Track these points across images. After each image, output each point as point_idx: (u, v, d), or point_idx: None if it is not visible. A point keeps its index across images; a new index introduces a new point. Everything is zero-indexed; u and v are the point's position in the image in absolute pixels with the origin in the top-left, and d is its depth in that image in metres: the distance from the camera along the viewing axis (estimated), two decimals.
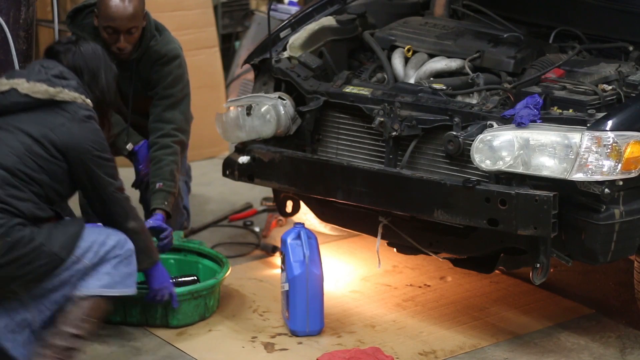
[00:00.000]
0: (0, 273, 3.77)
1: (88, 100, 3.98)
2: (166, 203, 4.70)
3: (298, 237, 4.38)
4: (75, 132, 3.90)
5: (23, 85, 3.92)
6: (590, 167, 3.93)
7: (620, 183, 3.97)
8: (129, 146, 4.88)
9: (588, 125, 3.97)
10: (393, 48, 4.76)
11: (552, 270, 4.32)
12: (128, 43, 4.70)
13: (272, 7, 6.77)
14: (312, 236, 4.41)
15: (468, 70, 4.50)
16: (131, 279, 3.98)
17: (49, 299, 3.88)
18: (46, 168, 3.87)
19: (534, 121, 4.04)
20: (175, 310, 4.39)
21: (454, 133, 4.19)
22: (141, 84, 4.91)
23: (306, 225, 4.48)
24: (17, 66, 4.55)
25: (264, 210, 5.69)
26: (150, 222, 4.56)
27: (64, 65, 4.01)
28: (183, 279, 4.55)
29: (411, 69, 4.63)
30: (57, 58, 4.04)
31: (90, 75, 4.05)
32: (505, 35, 4.62)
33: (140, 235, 4.09)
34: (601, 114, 4.01)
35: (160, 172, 4.75)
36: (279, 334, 4.40)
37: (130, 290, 3.97)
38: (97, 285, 3.89)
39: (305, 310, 4.35)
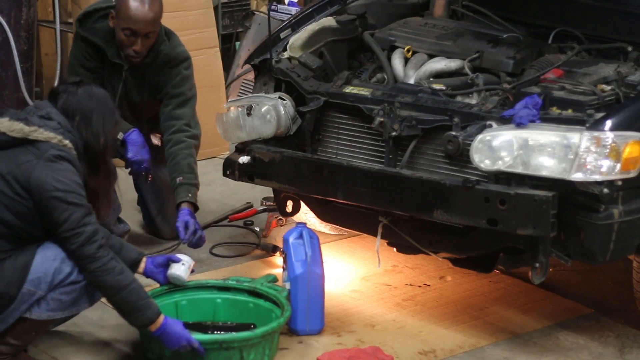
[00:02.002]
0: None
1: (66, 142, 3.87)
2: (190, 195, 4.70)
3: (300, 236, 4.39)
4: (38, 170, 3.81)
5: (3, 124, 3.88)
6: (589, 167, 3.94)
7: (619, 183, 3.98)
8: (120, 135, 4.84)
9: (587, 125, 3.98)
10: (393, 48, 4.76)
11: (551, 269, 4.33)
12: (144, 47, 4.74)
13: (272, 7, 6.79)
14: (314, 236, 4.42)
15: (467, 70, 4.51)
16: (84, 299, 3.94)
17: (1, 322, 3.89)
18: (11, 207, 3.83)
19: (533, 121, 4.05)
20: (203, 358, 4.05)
21: (454, 133, 4.20)
22: (149, 88, 4.93)
23: (307, 225, 4.49)
24: (18, 67, 4.57)
25: (264, 210, 5.69)
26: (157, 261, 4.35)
27: (57, 107, 3.95)
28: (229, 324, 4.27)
29: (411, 69, 4.64)
30: (55, 99, 3.98)
31: (82, 117, 3.96)
32: (504, 36, 4.62)
33: (101, 289, 3.90)
34: (600, 114, 4.02)
35: (177, 167, 4.77)
36: (279, 333, 4.41)
37: (82, 308, 3.97)
38: (45, 310, 3.89)
39: (306, 310, 4.35)
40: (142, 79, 4.91)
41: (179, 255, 4.36)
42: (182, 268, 4.30)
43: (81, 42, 4.90)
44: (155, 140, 5.20)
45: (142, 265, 4.28)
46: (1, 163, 3.86)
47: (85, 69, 4.90)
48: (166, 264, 4.34)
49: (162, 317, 3.95)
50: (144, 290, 3.96)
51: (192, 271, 4.38)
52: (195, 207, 4.74)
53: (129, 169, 5.01)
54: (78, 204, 3.83)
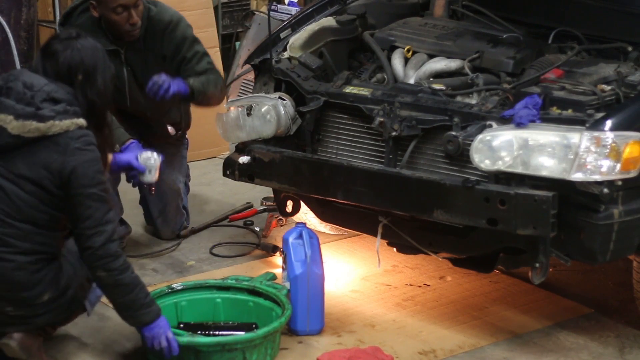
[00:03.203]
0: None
1: (80, 121, 3.83)
2: (192, 80, 4.73)
3: (300, 236, 4.39)
4: (67, 166, 3.79)
5: (12, 125, 3.77)
6: (589, 167, 3.94)
7: (619, 183, 3.98)
8: (117, 147, 4.74)
9: (587, 125, 3.98)
10: (393, 48, 4.76)
11: (551, 269, 4.33)
12: (138, 16, 4.74)
13: (272, 7, 6.78)
14: (313, 236, 4.42)
15: (467, 70, 4.51)
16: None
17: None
18: (61, 207, 3.85)
19: (533, 121, 4.05)
20: None
21: (454, 133, 4.20)
22: (155, 59, 4.91)
23: (307, 225, 4.49)
24: (18, 67, 4.56)
25: (264, 210, 5.69)
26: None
27: (59, 64, 3.88)
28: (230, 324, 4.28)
29: (411, 69, 4.64)
30: (55, 57, 3.89)
31: (86, 75, 3.90)
32: (504, 36, 4.63)
33: (109, 288, 3.91)
34: (600, 114, 4.02)
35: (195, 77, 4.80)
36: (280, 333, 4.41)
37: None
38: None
39: (306, 310, 4.36)
40: (144, 51, 4.89)
41: (146, 160, 4.42)
42: (148, 176, 4.41)
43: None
44: (171, 130, 5.22)
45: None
46: (29, 170, 3.81)
47: None
48: (128, 168, 4.45)
49: (160, 317, 3.98)
50: (146, 286, 4.00)
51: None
52: (192, 92, 4.75)
53: (131, 182, 4.99)
54: (101, 199, 3.82)
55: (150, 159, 4.43)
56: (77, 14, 4.88)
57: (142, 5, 4.80)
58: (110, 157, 4.19)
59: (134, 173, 4.50)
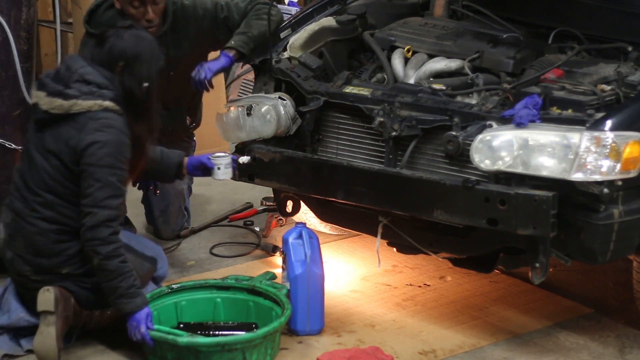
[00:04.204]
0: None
1: (106, 103, 3.99)
2: (233, 42, 4.73)
3: (299, 236, 4.39)
4: (82, 142, 3.96)
5: (43, 101, 4.02)
6: (589, 167, 3.94)
7: (619, 183, 3.98)
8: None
9: (587, 125, 3.98)
10: (393, 48, 4.77)
11: (551, 269, 4.33)
12: (155, 14, 4.72)
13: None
14: (313, 236, 4.42)
15: (467, 70, 4.51)
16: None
17: None
18: (71, 179, 4.01)
19: (533, 121, 4.05)
20: None
21: (454, 133, 4.20)
22: (189, 46, 4.90)
23: (307, 225, 4.49)
24: (18, 67, 4.56)
25: (264, 210, 5.70)
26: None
27: (104, 51, 4.05)
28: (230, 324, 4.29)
29: (411, 69, 4.64)
30: (102, 44, 4.08)
31: (126, 63, 4.06)
32: (504, 36, 4.63)
33: (97, 272, 4.01)
34: (600, 114, 4.02)
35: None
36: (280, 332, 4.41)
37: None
38: None
39: (306, 310, 4.36)
40: (176, 41, 4.87)
41: (213, 158, 4.49)
42: (219, 173, 4.50)
43: (92, 41, 4.85)
44: (188, 119, 5.28)
45: (184, 167, 4.52)
46: (55, 145, 4.03)
47: None
48: (201, 167, 4.54)
49: (146, 309, 4.04)
50: (138, 280, 4.05)
51: (236, 162, 4.56)
52: (240, 55, 4.76)
53: (136, 184, 5.01)
54: (107, 182, 3.95)
55: (222, 158, 4.53)
56: (103, 10, 4.86)
57: (164, 4, 4.78)
58: (147, 147, 4.28)
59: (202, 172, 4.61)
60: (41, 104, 4.02)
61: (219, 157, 4.51)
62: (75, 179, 4.01)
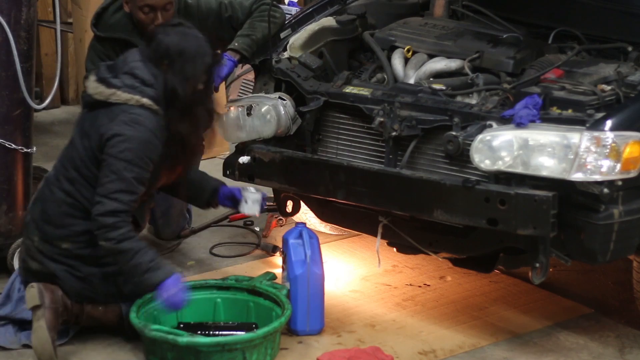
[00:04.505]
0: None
1: (144, 100, 4.06)
2: (236, 44, 4.71)
3: (300, 236, 4.39)
4: (107, 132, 4.06)
5: (91, 85, 4.16)
6: (589, 167, 3.94)
7: (620, 183, 3.98)
8: None
9: (587, 125, 3.98)
10: (393, 48, 4.76)
11: (551, 269, 4.33)
12: (165, 20, 4.70)
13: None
14: (313, 236, 4.42)
15: (467, 70, 4.51)
16: None
17: None
18: (97, 163, 4.10)
19: (533, 121, 4.05)
20: None
21: (454, 133, 4.20)
22: None
23: (307, 225, 4.49)
24: (18, 67, 4.56)
25: (264, 210, 5.68)
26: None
27: (151, 49, 4.11)
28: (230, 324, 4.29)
29: (411, 69, 4.64)
30: (151, 41, 4.16)
31: (170, 61, 4.11)
32: (504, 36, 4.63)
33: (114, 256, 4.08)
34: (600, 114, 4.02)
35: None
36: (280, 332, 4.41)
37: None
38: None
39: (306, 310, 4.35)
40: None
41: (245, 192, 4.50)
42: (245, 207, 4.52)
43: (100, 45, 4.82)
44: None
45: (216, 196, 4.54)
46: (90, 129, 4.15)
47: None
48: (231, 198, 4.53)
49: (175, 274, 4.08)
50: (157, 254, 4.10)
51: (265, 201, 4.58)
52: (242, 56, 4.73)
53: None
54: (121, 177, 4.02)
55: (252, 193, 4.53)
56: (111, 13, 4.84)
57: (173, 10, 4.77)
58: (195, 147, 4.32)
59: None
60: (89, 87, 4.16)
61: (249, 192, 4.53)
62: (97, 165, 4.10)
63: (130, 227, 4.06)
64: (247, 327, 4.21)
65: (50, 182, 4.24)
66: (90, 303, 4.22)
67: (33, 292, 4.08)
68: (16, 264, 4.62)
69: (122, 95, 4.08)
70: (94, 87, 4.15)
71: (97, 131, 4.11)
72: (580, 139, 3.94)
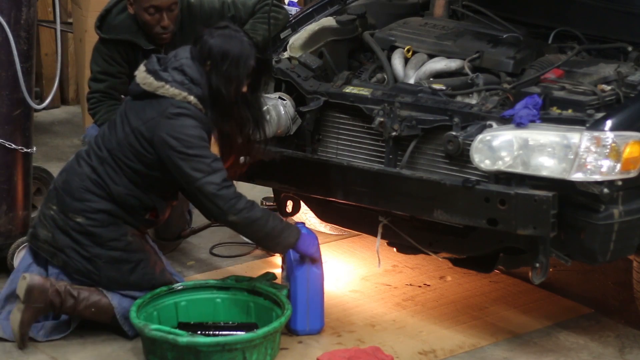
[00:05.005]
0: None
1: (190, 97, 4.13)
2: None
3: None
4: (160, 127, 4.10)
5: (140, 75, 4.21)
6: (589, 167, 3.94)
7: (620, 183, 3.98)
8: None
9: (587, 125, 3.98)
10: (393, 48, 4.76)
11: (551, 269, 4.33)
12: (170, 21, 4.71)
13: None
14: (313, 235, 4.41)
15: (467, 70, 4.51)
16: None
17: None
18: (140, 158, 4.16)
19: (533, 121, 4.05)
20: None
21: (454, 133, 4.20)
22: None
23: (306, 225, 4.48)
24: (18, 67, 4.56)
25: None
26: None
27: (197, 48, 4.17)
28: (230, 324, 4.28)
29: (411, 69, 4.64)
30: (197, 42, 4.21)
31: (213, 62, 4.16)
32: (504, 36, 4.63)
33: (247, 228, 4.19)
34: (600, 114, 4.02)
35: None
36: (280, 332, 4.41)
37: None
38: None
39: (305, 309, 4.35)
40: (184, 40, 4.84)
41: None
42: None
43: (104, 47, 4.81)
44: None
45: None
46: (133, 117, 4.21)
47: (107, 74, 4.83)
48: None
49: (300, 229, 4.26)
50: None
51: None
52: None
53: None
54: (200, 155, 4.08)
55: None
56: (115, 14, 4.83)
57: (178, 10, 4.76)
58: (237, 145, 4.36)
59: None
60: (138, 76, 4.21)
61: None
62: (138, 154, 4.16)
63: (242, 194, 4.14)
64: (247, 327, 4.21)
65: (80, 157, 4.31)
66: (90, 283, 4.24)
67: (22, 285, 4.15)
68: (16, 264, 4.61)
69: (170, 90, 4.13)
70: (142, 77, 4.20)
71: (143, 120, 4.16)
72: (580, 139, 3.94)
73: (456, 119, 4.24)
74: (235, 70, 4.18)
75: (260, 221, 4.15)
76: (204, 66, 4.18)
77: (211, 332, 4.17)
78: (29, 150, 4.76)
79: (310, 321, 4.38)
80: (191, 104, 4.14)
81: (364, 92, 4.50)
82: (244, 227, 4.19)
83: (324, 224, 5.22)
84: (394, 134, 4.35)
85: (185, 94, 4.13)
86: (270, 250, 4.32)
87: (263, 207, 4.27)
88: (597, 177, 3.95)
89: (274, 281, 4.46)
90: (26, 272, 4.25)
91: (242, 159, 4.46)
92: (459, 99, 4.37)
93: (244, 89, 4.24)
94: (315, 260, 4.31)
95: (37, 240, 4.32)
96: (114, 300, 4.24)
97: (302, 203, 4.92)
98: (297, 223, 4.45)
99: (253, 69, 4.22)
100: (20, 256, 4.58)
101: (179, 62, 4.19)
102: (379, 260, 4.63)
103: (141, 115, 4.18)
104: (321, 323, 4.42)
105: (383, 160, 4.44)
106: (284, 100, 4.64)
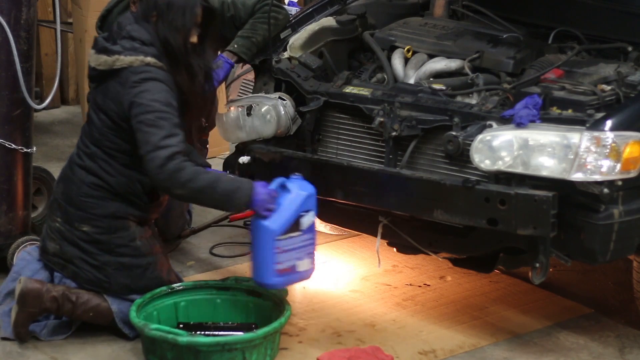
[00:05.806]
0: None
1: (148, 59, 4.09)
2: (235, 46, 4.69)
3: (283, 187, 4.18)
4: (126, 97, 4.07)
5: (92, 57, 4.18)
6: (589, 167, 3.94)
7: (620, 183, 3.98)
8: None
9: (587, 125, 3.98)
10: (393, 48, 4.76)
11: (551, 269, 4.33)
12: None
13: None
14: (306, 189, 4.19)
15: (467, 70, 4.51)
16: None
17: None
18: (123, 137, 4.12)
19: (533, 121, 4.05)
20: None
21: (454, 133, 4.20)
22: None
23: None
24: (18, 67, 4.56)
25: None
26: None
27: (141, 5, 4.15)
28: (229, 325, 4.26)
29: (411, 69, 4.64)
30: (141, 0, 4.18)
31: (159, 14, 4.14)
32: (504, 36, 4.63)
33: (195, 199, 4.12)
34: (600, 114, 4.02)
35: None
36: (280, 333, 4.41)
37: None
38: None
39: (255, 262, 4.15)
40: None
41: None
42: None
43: None
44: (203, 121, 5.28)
45: None
46: (100, 100, 4.19)
47: None
48: None
49: (253, 184, 4.06)
50: (224, 172, 4.27)
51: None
52: (238, 57, 4.71)
53: None
54: (156, 125, 4.00)
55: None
56: (116, 14, 4.82)
57: None
58: (195, 103, 4.32)
59: None
60: (90, 61, 4.18)
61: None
62: (121, 134, 4.13)
63: (190, 162, 4.02)
64: (247, 327, 4.20)
65: (72, 161, 4.30)
66: (99, 290, 4.24)
67: (17, 288, 4.17)
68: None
69: (125, 59, 4.10)
70: (95, 59, 4.17)
71: (113, 101, 4.13)
72: (580, 139, 3.94)
73: (456, 119, 4.24)
74: (182, 19, 4.15)
75: (208, 189, 4.00)
76: (150, 19, 4.16)
77: (211, 332, 4.17)
78: (29, 150, 4.76)
79: (259, 274, 4.14)
80: (150, 65, 4.09)
81: (364, 92, 4.50)
82: (191, 198, 4.15)
83: (324, 224, 5.22)
84: (394, 134, 4.35)
85: (141, 57, 4.10)
86: (226, 211, 4.22)
87: (210, 171, 4.07)
88: (597, 177, 3.95)
89: None
90: (33, 276, 4.26)
91: (203, 121, 4.38)
92: (459, 99, 4.37)
93: (194, 39, 4.21)
94: (264, 216, 4.04)
95: (47, 254, 4.31)
96: (114, 305, 4.23)
97: None
98: (292, 175, 4.26)
99: (200, 18, 4.20)
100: (20, 256, 4.58)
101: (125, 30, 4.16)
102: (379, 260, 4.63)
103: (108, 95, 4.15)
104: (274, 279, 4.14)
105: (383, 160, 4.44)
106: (284, 100, 4.64)
